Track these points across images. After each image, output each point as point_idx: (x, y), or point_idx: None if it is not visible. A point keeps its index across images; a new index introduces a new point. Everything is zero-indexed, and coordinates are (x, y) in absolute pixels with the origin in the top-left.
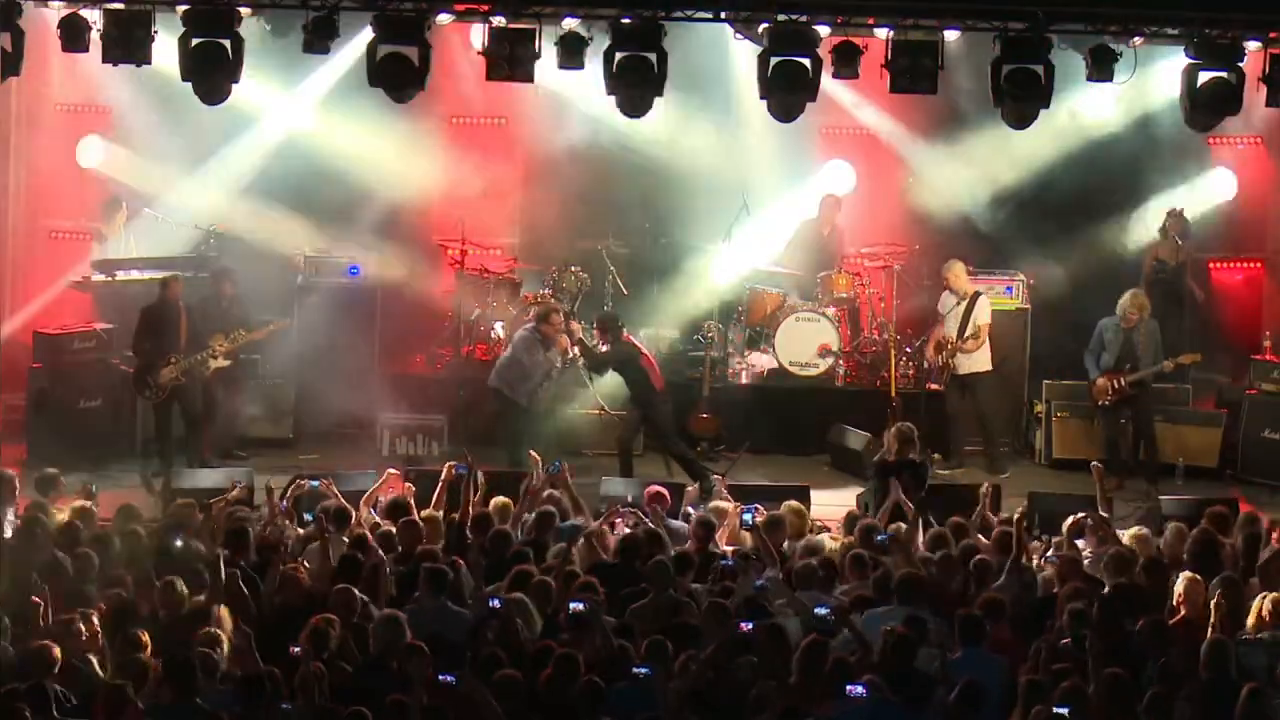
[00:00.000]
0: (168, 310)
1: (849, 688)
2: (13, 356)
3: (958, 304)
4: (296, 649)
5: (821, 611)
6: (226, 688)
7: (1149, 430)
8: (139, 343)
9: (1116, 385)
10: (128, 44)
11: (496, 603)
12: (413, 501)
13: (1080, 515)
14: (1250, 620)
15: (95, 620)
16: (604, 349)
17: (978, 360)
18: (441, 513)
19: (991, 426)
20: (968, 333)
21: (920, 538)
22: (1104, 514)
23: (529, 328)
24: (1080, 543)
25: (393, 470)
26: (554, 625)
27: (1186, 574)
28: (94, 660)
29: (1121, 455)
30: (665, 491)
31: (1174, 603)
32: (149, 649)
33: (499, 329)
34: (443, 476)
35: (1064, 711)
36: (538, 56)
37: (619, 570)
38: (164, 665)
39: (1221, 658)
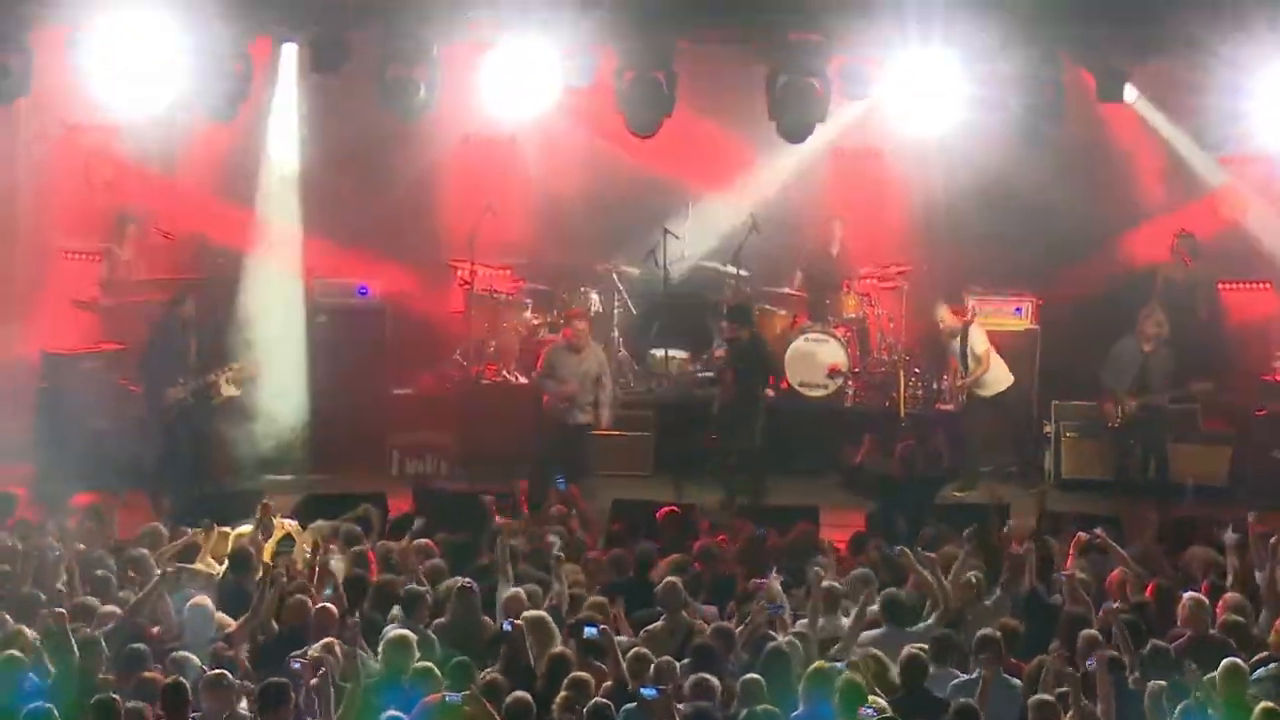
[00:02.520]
0: (176, 329)
1: (861, 710)
2: (21, 376)
3: (954, 339)
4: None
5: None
6: None
7: (1161, 451)
8: (146, 363)
9: (1125, 407)
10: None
11: (508, 626)
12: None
13: (1090, 534)
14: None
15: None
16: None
17: (998, 379)
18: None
19: (1025, 439)
20: (970, 365)
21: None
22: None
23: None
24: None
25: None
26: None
27: (1191, 594)
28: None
29: (1131, 476)
30: (677, 511)
31: (1179, 623)
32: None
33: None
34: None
35: None
36: (548, 76)
37: (632, 590)
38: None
39: (1236, 678)
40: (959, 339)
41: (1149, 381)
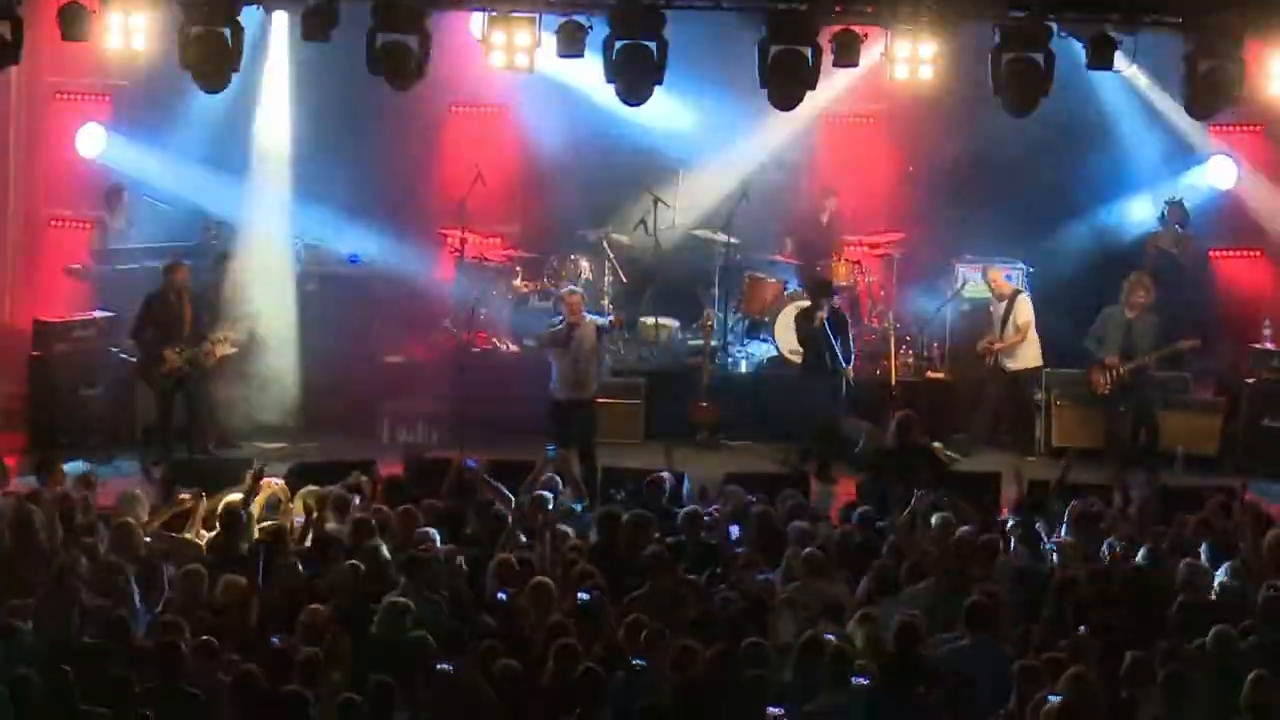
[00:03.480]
0: (171, 297)
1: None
2: (13, 344)
3: (999, 304)
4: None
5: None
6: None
7: (1151, 419)
8: (140, 330)
9: (1114, 374)
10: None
11: (503, 596)
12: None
13: (1086, 501)
14: None
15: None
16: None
17: (1028, 356)
18: None
19: (1033, 418)
20: (1008, 333)
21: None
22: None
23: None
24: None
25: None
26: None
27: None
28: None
29: (1121, 444)
30: (665, 478)
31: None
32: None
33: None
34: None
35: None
36: (538, 44)
37: (615, 558)
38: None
39: (1227, 644)
40: (1006, 304)
41: (1135, 346)
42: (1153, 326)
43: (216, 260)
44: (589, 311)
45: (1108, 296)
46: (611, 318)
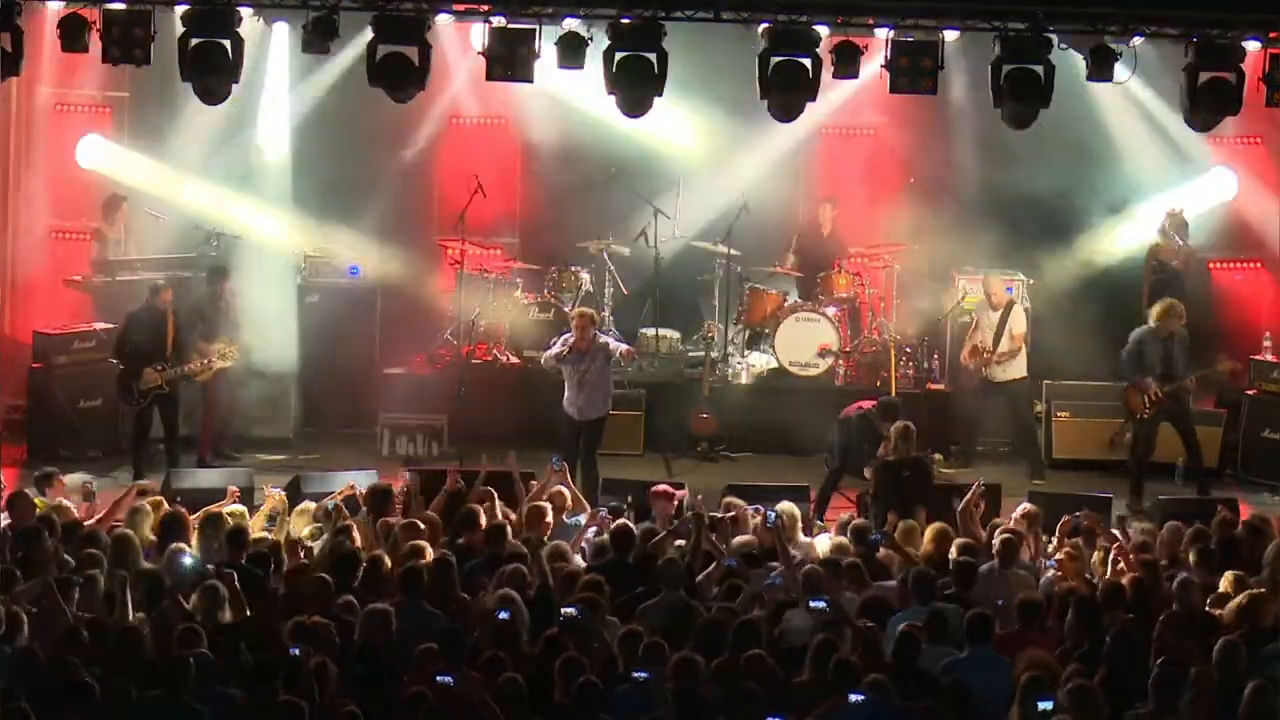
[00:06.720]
0: (154, 316)
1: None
2: (13, 356)
3: (993, 314)
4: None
5: (818, 605)
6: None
7: (1191, 437)
8: (120, 347)
9: (1152, 397)
10: (127, 43)
11: (505, 614)
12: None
13: (1076, 515)
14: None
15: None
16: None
17: (1015, 367)
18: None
19: (1031, 432)
20: (1002, 344)
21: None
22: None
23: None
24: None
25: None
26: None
27: (1230, 574)
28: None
29: (1142, 461)
30: (670, 490)
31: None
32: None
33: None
34: (446, 486)
35: (1048, 706)
36: (537, 56)
37: (628, 569)
38: (159, 665)
39: (1232, 657)
40: (1000, 314)
41: (1174, 368)
42: (1184, 344)
43: (212, 272)
44: (603, 333)
45: (1107, 309)
46: (624, 349)
